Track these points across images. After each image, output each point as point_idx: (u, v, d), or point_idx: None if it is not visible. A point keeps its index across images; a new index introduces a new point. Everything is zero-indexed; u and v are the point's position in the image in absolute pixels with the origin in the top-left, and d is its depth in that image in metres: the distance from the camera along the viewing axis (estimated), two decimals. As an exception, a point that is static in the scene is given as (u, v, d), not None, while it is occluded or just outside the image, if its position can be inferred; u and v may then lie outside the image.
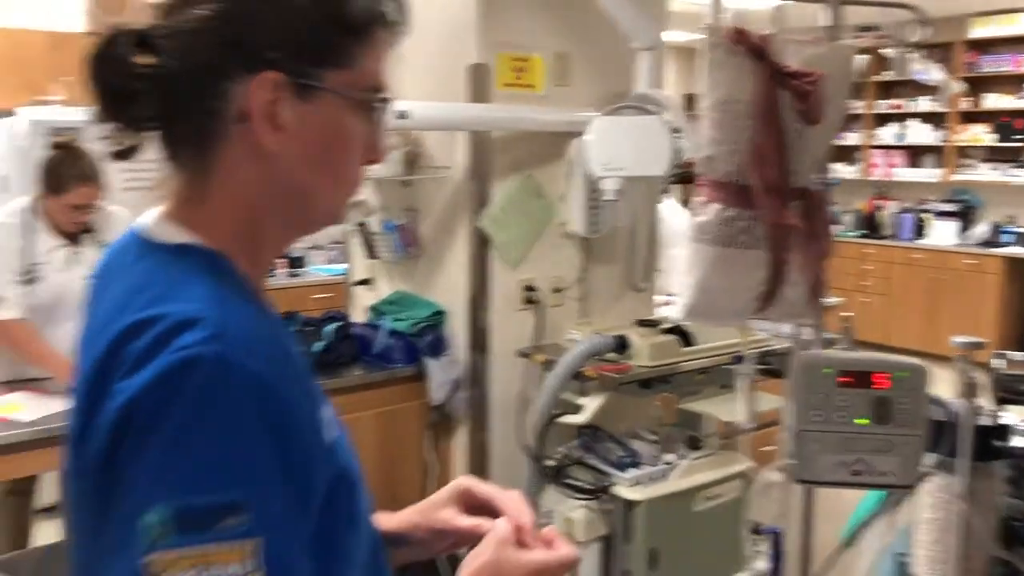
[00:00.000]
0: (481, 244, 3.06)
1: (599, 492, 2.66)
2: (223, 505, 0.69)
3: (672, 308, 3.82)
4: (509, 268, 3.11)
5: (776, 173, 1.52)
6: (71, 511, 0.82)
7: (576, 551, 0.93)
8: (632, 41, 2.81)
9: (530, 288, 3.13)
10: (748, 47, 1.51)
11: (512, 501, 0.97)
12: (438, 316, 3.20)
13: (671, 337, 2.82)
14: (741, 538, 2.81)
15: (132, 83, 0.81)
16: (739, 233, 1.57)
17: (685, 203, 5.11)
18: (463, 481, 1.03)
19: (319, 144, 0.85)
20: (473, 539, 0.94)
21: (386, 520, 1.01)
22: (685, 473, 2.68)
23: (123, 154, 0.86)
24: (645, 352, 2.71)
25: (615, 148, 2.71)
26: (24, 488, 3.09)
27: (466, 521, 0.98)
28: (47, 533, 3.32)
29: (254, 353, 0.75)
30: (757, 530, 2.87)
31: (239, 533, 0.69)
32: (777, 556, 2.09)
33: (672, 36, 6.24)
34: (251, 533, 0.70)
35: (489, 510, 0.98)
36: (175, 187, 0.86)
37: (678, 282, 1.70)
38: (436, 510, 1.01)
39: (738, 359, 2.43)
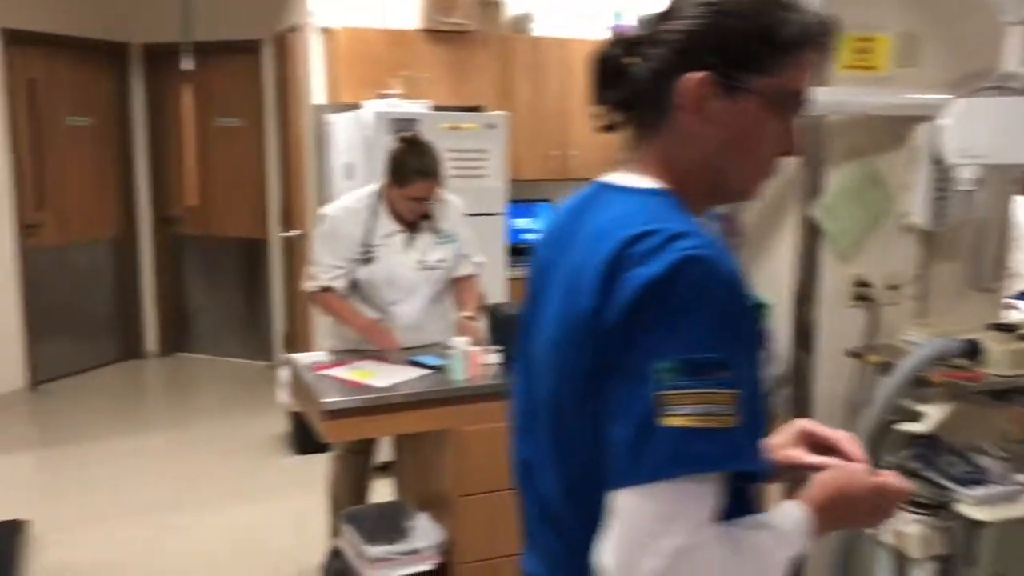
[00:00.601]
0: (810, 235, 2.91)
1: (937, 508, 2.45)
2: (716, 361, 0.92)
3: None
4: (840, 261, 2.93)
5: None
6: (547, 377, 1.07)
7: (910, 486, 1.11)
8: (1001, 15, 2.53)
9: (862, 284, 2.93)
10: None
11: (850, 441, 1.17)
12: (760, 308, 3.09)
13: (1033, 344, 2.53)
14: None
15: (619, 76, 1.08)
16: None
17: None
18: (802, 423, 1.23)
19: (737, 133, 1.05)
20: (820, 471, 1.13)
21: None
22: (1044, 497, 2.41)
23: (608, 128, 1.13)
24: (1003, 359, 2.45)
25: (975, 133, 2.46)
26: (365, 448, 3.37)
27: (815, 458, 1.18)
28: (382, 491, 3.63)
29: (726, 261, 0.96)
30: None
31: (726, 383, 0.92)
32: None
33: None
34: (733, 385, 0.92)
35: (829, 450, 1.17)
36: (635, 154, 1.11)
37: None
38: (783, 448, 1.21)
39: None
